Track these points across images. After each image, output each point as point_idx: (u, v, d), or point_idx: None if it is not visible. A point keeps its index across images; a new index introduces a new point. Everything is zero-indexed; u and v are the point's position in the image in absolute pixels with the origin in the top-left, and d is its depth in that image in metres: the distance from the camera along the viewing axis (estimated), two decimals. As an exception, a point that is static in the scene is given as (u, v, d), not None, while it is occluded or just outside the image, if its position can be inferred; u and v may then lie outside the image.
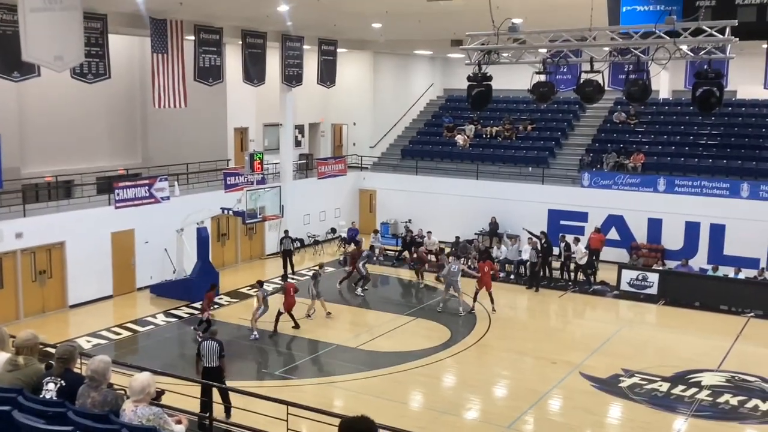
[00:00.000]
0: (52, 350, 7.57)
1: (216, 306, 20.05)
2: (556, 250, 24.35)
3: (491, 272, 21.36)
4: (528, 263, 24.17)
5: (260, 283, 19.39)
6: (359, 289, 22.54)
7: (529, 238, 24.42)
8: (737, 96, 29.89)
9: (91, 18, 19.06)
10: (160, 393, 8.14)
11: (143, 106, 27.48)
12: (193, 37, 22.90)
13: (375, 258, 25.42)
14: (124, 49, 25.73)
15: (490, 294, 20.83)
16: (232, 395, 12.87)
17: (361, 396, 15.09)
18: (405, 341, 18.32)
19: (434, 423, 13.95)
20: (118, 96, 26.39)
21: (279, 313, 18.76)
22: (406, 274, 25.46)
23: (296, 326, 18.83)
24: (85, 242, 20.78)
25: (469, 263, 24.04)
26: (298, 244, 27.21)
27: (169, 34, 21.78)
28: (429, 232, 26.50)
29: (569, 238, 24.26)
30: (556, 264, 24.40)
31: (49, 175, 23.43)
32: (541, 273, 23.89)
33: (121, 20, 21.02)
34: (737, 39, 12.18)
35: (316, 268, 21.40)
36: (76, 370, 7.00)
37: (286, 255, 24.72)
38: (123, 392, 6.76)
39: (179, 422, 6.57)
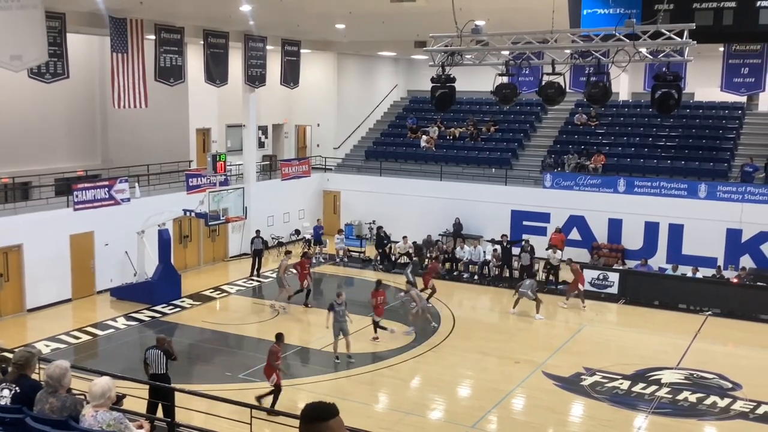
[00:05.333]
0: (10, 355, 7.41)
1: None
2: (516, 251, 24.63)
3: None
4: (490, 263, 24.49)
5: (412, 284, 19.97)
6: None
7: (491, 239, 24.58)
8: (695, 98, 30.43)
9: (50, 17, 18.68)
10: (121, 397, 8.03)
11: (103, 107, 27.11)
12: (153, 37, 22.62)
13: (340, 259, 25.40)
14: (84, 49, 25.35)
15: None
16: (196, 399, 12.70)
17: (326, 398, 14.89)
18: (369, 343, 18.30)
19: (399, 424, 13.96)
20: (77, 96, 25.99)
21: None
22: (372, 275, 25.44)
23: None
24: (43, 245, 20.38)
25: (434, 255, 24.27)
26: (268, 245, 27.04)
27: (129, 34, 21.48)
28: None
29: (532, 239, 24.57)
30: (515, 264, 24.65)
31: (6, 177, 22.96)
32: (503, 275, 24.17)
33: (80, 19, 20.67)
34: (695, 42, 12.39)
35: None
36: (34, 376, 6.87)
37: (257, 255, 24.59)
38: (83, 397, 6.64)
39: (140, 427, 6.48)
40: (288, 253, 22.41)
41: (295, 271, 21.45)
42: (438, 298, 22.08)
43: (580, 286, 21.76)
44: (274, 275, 22.50)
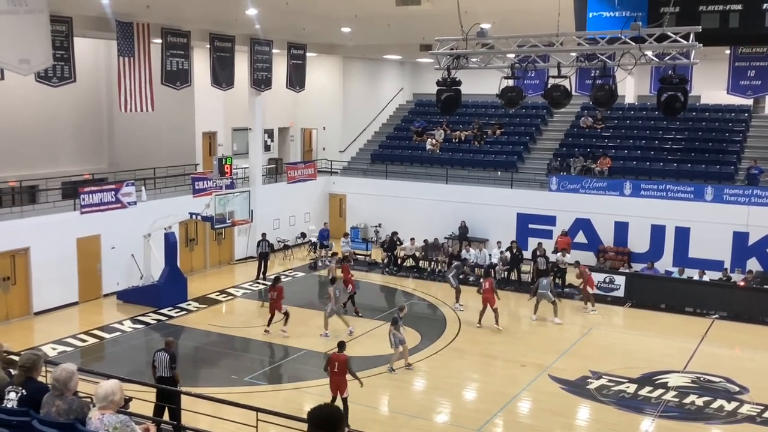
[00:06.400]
0: (16, 358, 7.44)
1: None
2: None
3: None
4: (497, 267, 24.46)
5: (332, 281, 19.85)
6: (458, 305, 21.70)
7: (499, 242, 24.54)
8: (701, 101, 30.37)
9: (56, 21, 18.77)
10: (128, 400, 8.04)
11: (109, 110, 27.18)
12: (160, 41, 22.69)
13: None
14: (90, 53, 25.43)
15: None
16: (202, 402, 12.72)
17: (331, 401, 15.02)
18: (375, 346, 18.27)
19: (404, 427, 13.95)
20: (83, 100, 26.07)
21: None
22: (378, 278, 25.47)
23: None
24: (50, 248, 20.44)
25: (438, 258, 24.17)
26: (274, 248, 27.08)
27: (136, 38, 21.56)
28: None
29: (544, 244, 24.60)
30: (525, 268, 24.62)
31: (13, 180, 23.04)
32: (510, 278, 24.25)
33: (87, 23, 20.76)
34: (701, 45, 12.36)
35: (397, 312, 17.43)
36: (41, 379, 6.88)
37: (262, 258, 24.63)
38: (89, 400, 6.65)
39: (147, 430, 6.48)
40: (334, 254, 22.58)
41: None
42: (443, 301, 22.08)
43: (588, 288, 21.73)
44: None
